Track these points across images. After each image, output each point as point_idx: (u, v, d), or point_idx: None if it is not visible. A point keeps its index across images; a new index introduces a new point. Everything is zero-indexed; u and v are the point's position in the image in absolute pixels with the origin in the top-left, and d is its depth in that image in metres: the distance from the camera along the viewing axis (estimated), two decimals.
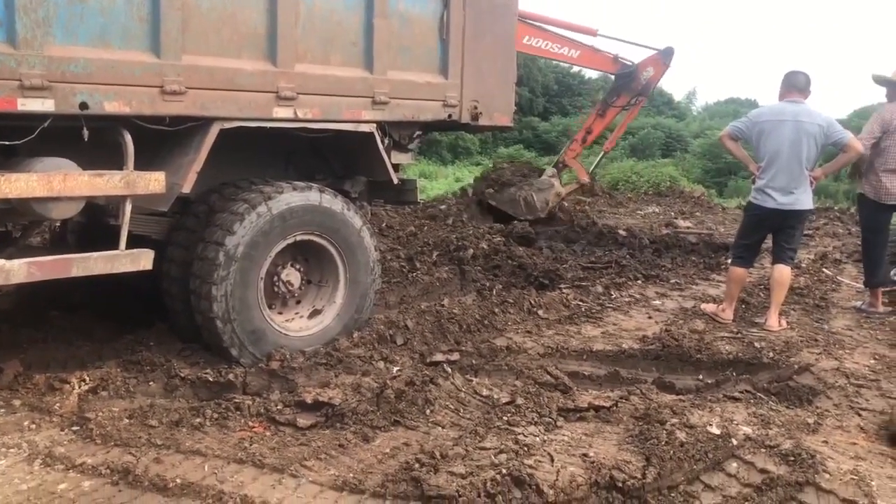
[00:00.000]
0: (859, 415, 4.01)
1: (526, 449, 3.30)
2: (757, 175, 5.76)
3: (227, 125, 4.30)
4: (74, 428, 3.56)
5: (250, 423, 3.63)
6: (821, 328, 5.76)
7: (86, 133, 3.77)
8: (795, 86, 5.74)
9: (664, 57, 10.45)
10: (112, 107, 3.82)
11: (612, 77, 10.88)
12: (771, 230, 5.89)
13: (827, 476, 3.16)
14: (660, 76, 10.59)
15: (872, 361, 4.93)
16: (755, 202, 5.80)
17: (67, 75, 3.65)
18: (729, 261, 8.06)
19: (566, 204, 11.15)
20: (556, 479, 3.03)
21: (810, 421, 3.85)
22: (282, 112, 4.50)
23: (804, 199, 5.68)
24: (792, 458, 3.27)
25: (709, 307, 6.16)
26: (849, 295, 7.04)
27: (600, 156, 12.30)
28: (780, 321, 5.75)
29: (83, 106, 3.71)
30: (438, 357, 4.66)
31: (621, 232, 10.17)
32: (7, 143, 3.65)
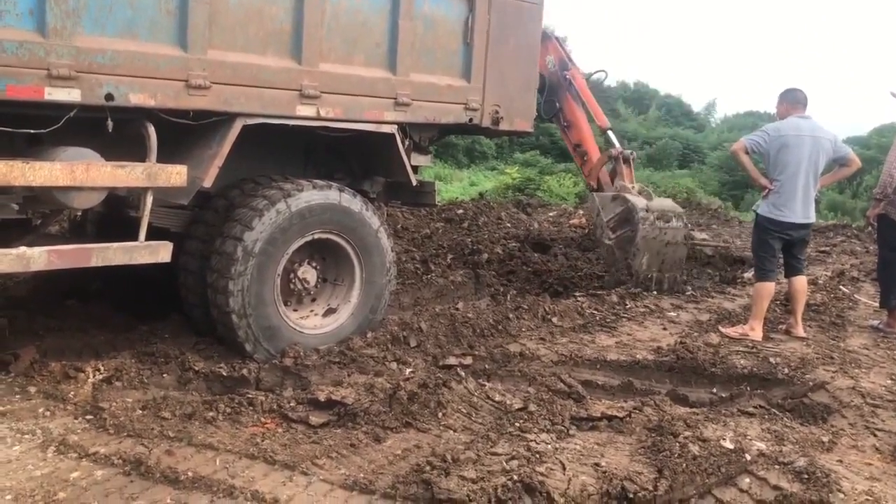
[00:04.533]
0: (875, 435, 3.97)
1: (538, 456, 3.29)
2: (772, 189, 5.75)
3: (250, 121, 4.32)
4: (88, 417, 3.58)
5: (263, 419, 3.64)
6: (837, 346, 5.71)
7: (110, 124, 3.79)
8: (799, 101, 5.88)
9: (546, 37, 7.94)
10: (137, 99, 3.85)
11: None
12: (786, 243, 5.88)
13: (841, 496, 3.13)
14: (559, 50, 8.35)
15: (889, 381, 4.88)
16: (775, 217, 5.77)
17: (94, 66, 3.69)
18: (749, 276, 8.02)
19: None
20: (568, 488, 3.01)
21: (825, 439, 3.82)
22: (305, 110, 4.51)
23: (814, 212, 5.96)
24: (806, 476, 3.24)
25: (734, 330, 5.86)
26: (866, 313, 6.97)
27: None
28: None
29: (109, 97, 3.74)
30: (451, 360, 4.65)
31: None
32: (32, 131, 3.69)
